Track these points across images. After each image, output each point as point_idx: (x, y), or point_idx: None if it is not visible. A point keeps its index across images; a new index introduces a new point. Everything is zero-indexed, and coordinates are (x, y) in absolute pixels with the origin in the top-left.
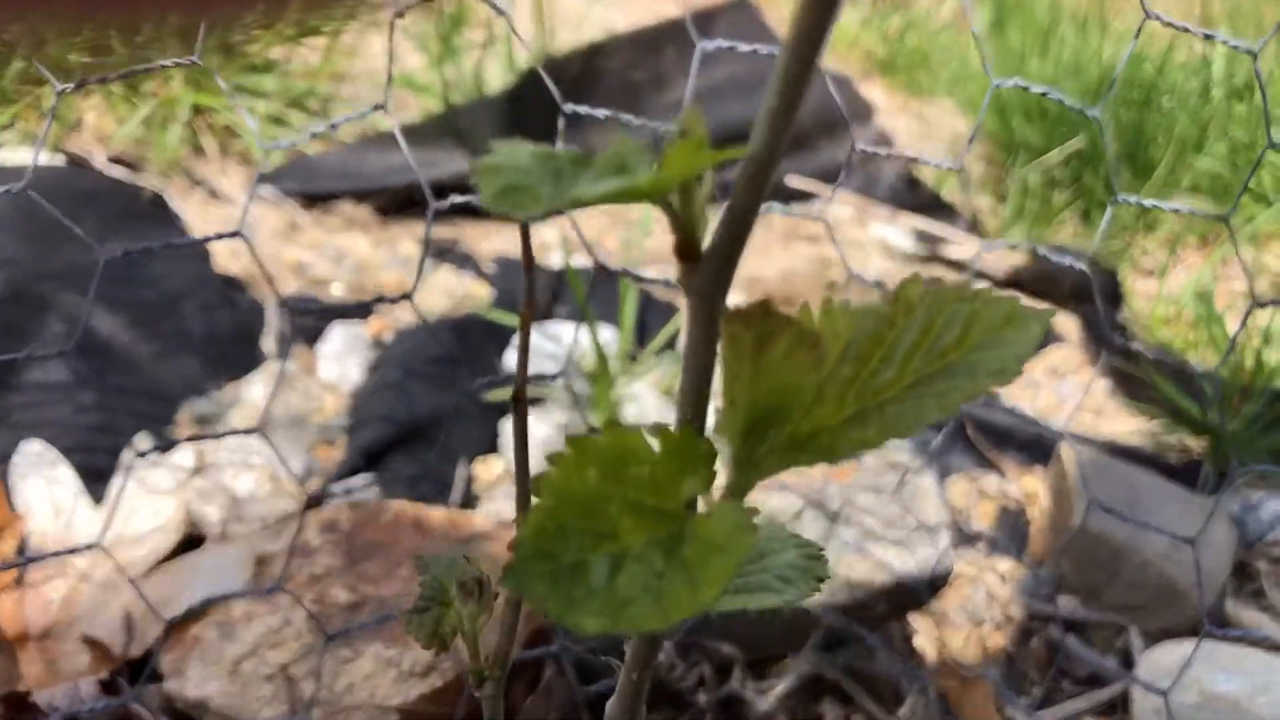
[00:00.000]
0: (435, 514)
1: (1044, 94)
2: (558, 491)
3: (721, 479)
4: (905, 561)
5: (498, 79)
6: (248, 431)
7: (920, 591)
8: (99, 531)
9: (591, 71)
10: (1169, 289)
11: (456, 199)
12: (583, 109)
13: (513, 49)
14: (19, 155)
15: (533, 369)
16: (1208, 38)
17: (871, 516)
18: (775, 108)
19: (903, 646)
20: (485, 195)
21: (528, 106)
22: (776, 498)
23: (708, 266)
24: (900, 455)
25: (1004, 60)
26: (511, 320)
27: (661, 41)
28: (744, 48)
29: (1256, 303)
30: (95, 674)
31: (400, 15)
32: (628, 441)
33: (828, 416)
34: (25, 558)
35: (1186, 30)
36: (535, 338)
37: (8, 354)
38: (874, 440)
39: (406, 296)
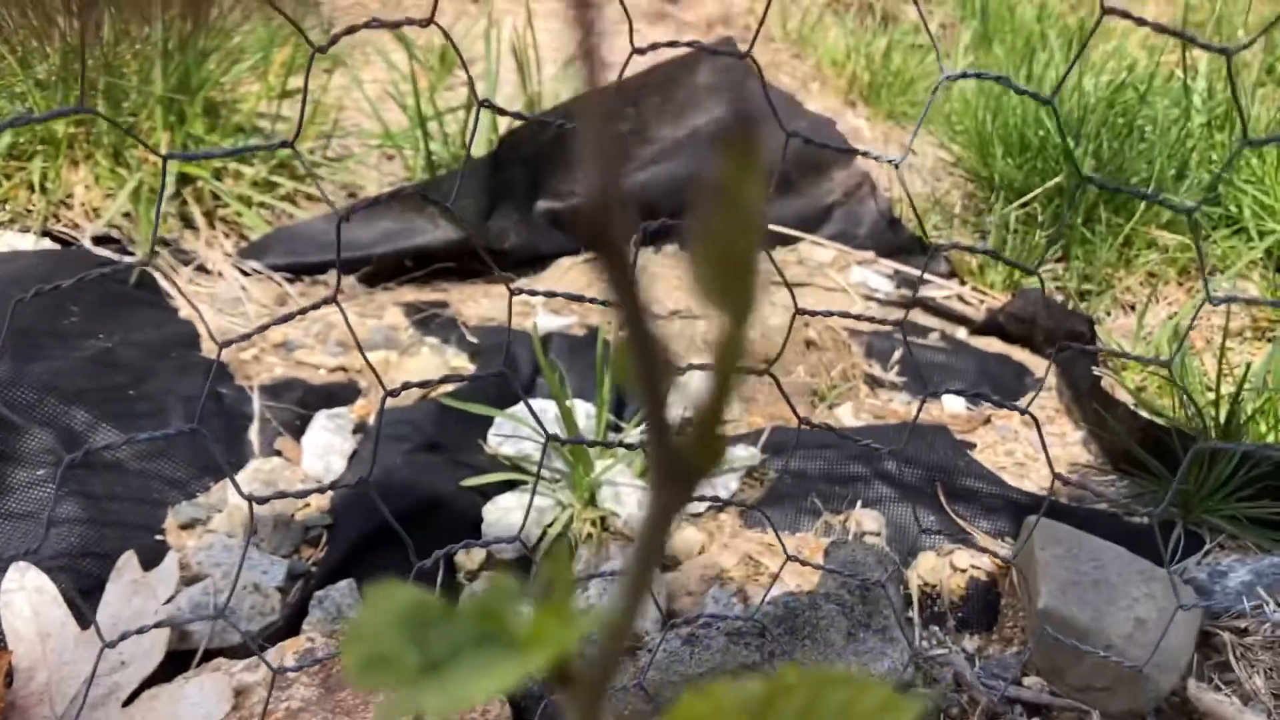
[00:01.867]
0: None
1: (997, 79)
2: None
3: None
4: (877, 667)
5: (481, 138)
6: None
7: None
8: (87, 657)
9: (573, 126)
10: (1149, 323)
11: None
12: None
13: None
14: (9, 238)
15: (514, 449)
16: (1184, 39)
17: (834, 630)
18: (623, 607)
19: None
20: (347, 667)
21: (508, 168)
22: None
23: (582, 689)
24: (865, 556)
25: (985, 82)
26: (480, 410)
27: (643, 91)
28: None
29: (1210, 299)
30: None
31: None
32: None
33: None
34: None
35: (1162, 30)
36: (517, 415)
37: None
38: None
39: (391, 394)
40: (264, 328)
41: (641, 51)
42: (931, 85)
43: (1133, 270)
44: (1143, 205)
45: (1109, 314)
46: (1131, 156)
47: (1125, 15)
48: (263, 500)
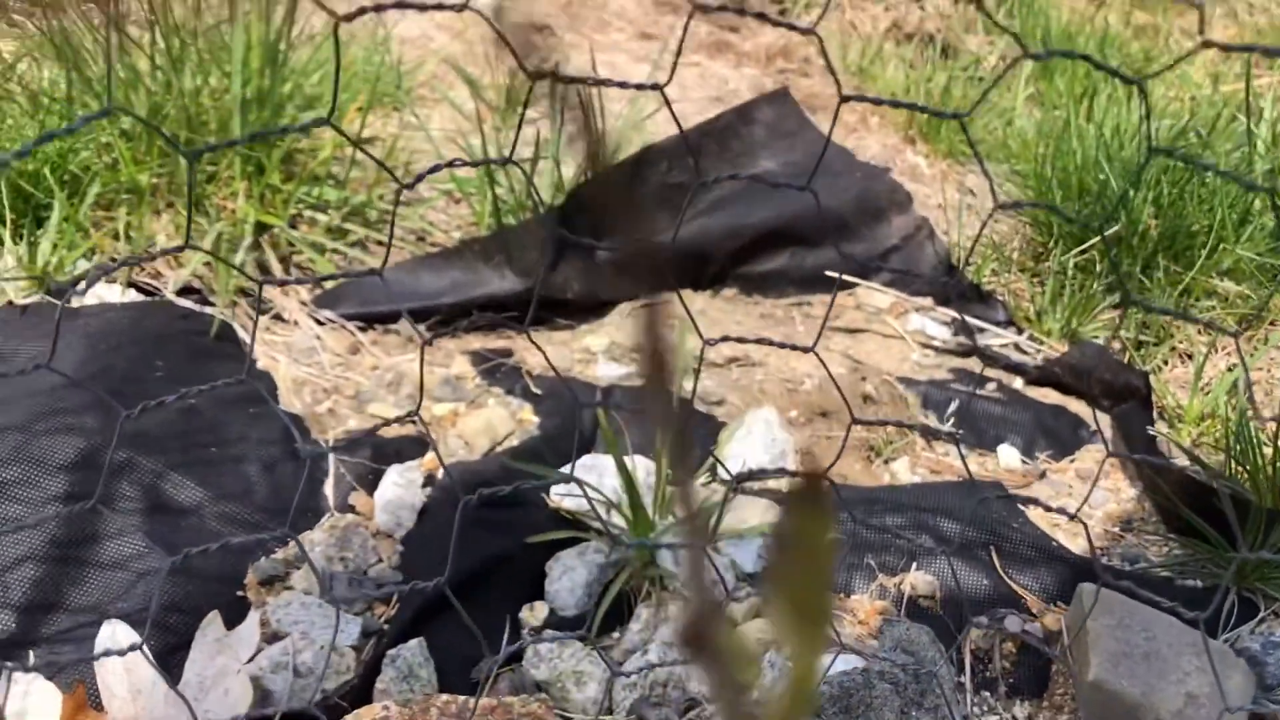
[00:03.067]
0: (481, 703)
1: (1049, 208)
2: None
3: None
4: None
5: (547, 188)
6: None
7: None
8: (177, 713)
9: (638, 177)
10: (1208, 374)
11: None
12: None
13: (558, 166)
14: (97, 288)
15: (575, 505)
16: (1268, 54)
17: (888, 709)
18: None
19: None
20: None
21: (573, 220)
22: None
23: None
24: (919, 635)
25: (1046, 121)
26: (537, 471)
27: (702, 141)
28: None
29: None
30: None
31: None
32: None
33: None
34: None
35: (1249, 50)
36: (580, 470)
37: (85, 524)
38: None
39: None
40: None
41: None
42: (990, 122)
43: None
44: (1204, 253)
45: (1166, 363)
46: (1193, 203)
47: (1225, 47)
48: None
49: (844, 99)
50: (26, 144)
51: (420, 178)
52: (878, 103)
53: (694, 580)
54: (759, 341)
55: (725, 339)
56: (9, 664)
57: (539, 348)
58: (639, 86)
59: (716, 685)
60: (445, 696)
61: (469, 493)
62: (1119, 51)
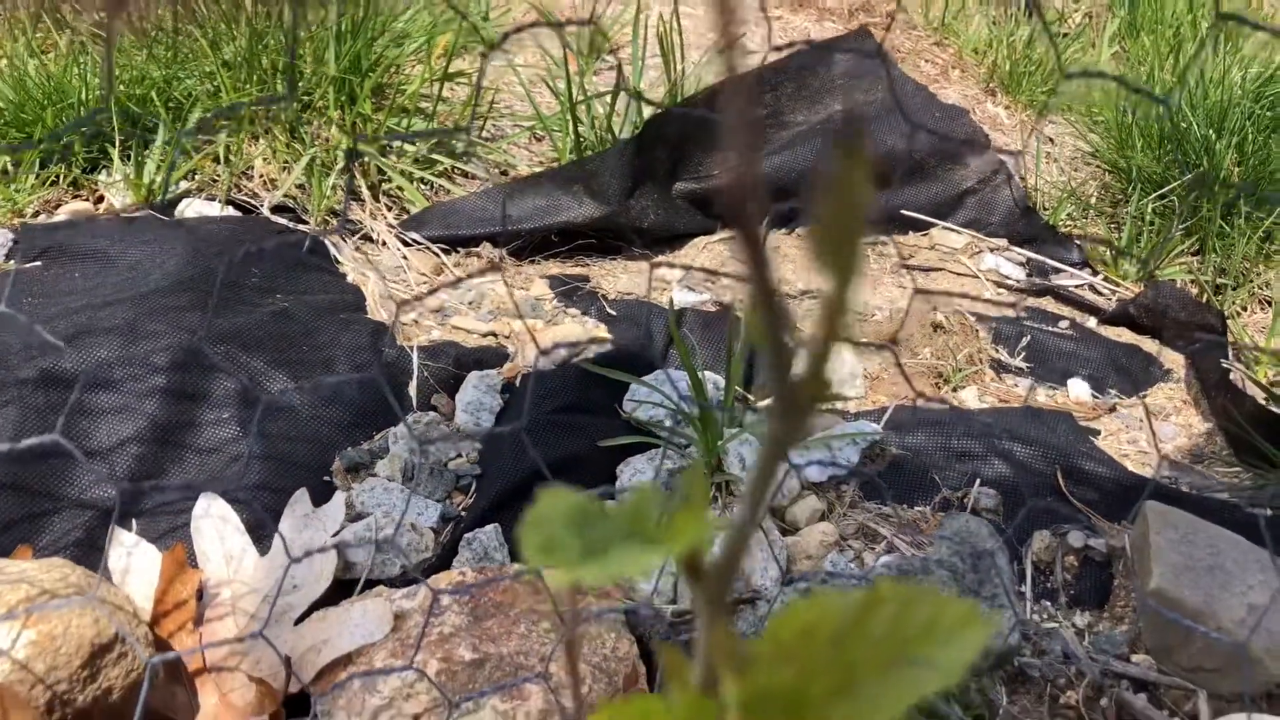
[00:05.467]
0: (550, 574)
1: (1115, 79)
2: None
3: None
4: None
5: (626, 121)
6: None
7: (981, 667)
8: (266, 578)
9: (713, 110)
10: None
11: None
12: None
13: (640, 94)
14: (197, 205)
15: (647, 415)
16: None
17: (945, 594)
18: (730, 548)
19: (975, 699)
20: (526, 550)
21: (651, 150)
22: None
23: (711, 581)
24: (979, 528)
25: (1130, 72)
26: (617, 376)
27: (779, 78)
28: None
29: None
30: (261, 711)
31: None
32: (651, 704)
33: (818, 691)
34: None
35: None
36: (651, 382)
37: (185, 412)
38: (857, 715)
39: (544, 353)
40: (435, 290)
41: (779, 49)
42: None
43: (1272, 265)
44: None
45: (1245, 309)
46: (1278, 151)
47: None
48: (429, 442)
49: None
50: None
51: (506, 36)
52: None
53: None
54: None
55: None
56: (115, 525)
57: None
58: None
59: (748, 261)
60: (518, 566)
61: (544, 401)
62: (1209, 14)
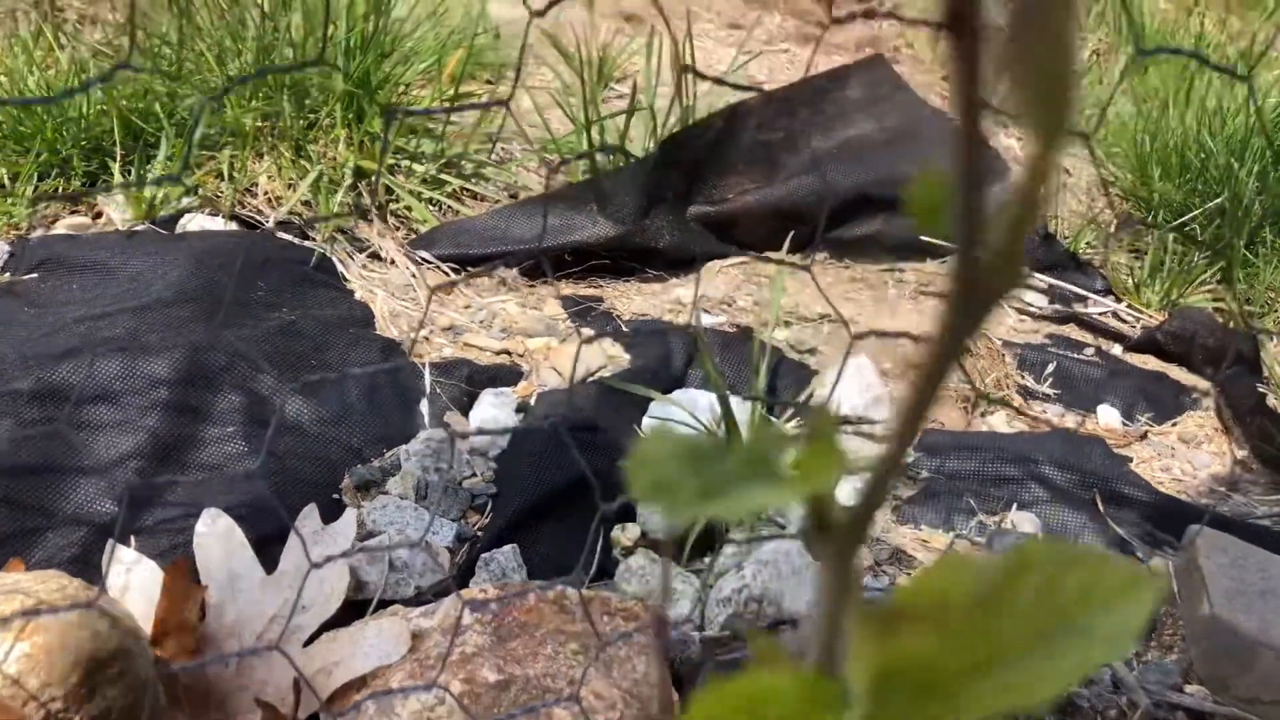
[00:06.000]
0: (575, 594)
1: (1192, 54)
2: None
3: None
4: None
5: (640, 143)
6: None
7: None
8: (271, 598)
9: (728, 133)
10: None
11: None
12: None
13: (655, 115)
14: (199, 220)
15: None
16: None
17: None
18: (913, 403)
19: None
20: (636, 490)
21: (668, 171)
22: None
23: (840, 537)
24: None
25: (1143, 108)
26: (639, 391)
27: (794, 102)
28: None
29: None
30: None
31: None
32: (763, 683)
33: (953, 667)
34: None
35: None
36: (668, 406)
37: (187, 426)
38: (1000, 698)
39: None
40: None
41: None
42: (1086, 110)
43: None
44: None
45: (1272, 337)
46: None
47: None
48: (463, 436)
49: None
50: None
51: (551, 6)
52: None
53: None
54: None
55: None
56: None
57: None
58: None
59: (959, 73)
60: (541, 582)
61: (561, 418)
62: (1216, 52)
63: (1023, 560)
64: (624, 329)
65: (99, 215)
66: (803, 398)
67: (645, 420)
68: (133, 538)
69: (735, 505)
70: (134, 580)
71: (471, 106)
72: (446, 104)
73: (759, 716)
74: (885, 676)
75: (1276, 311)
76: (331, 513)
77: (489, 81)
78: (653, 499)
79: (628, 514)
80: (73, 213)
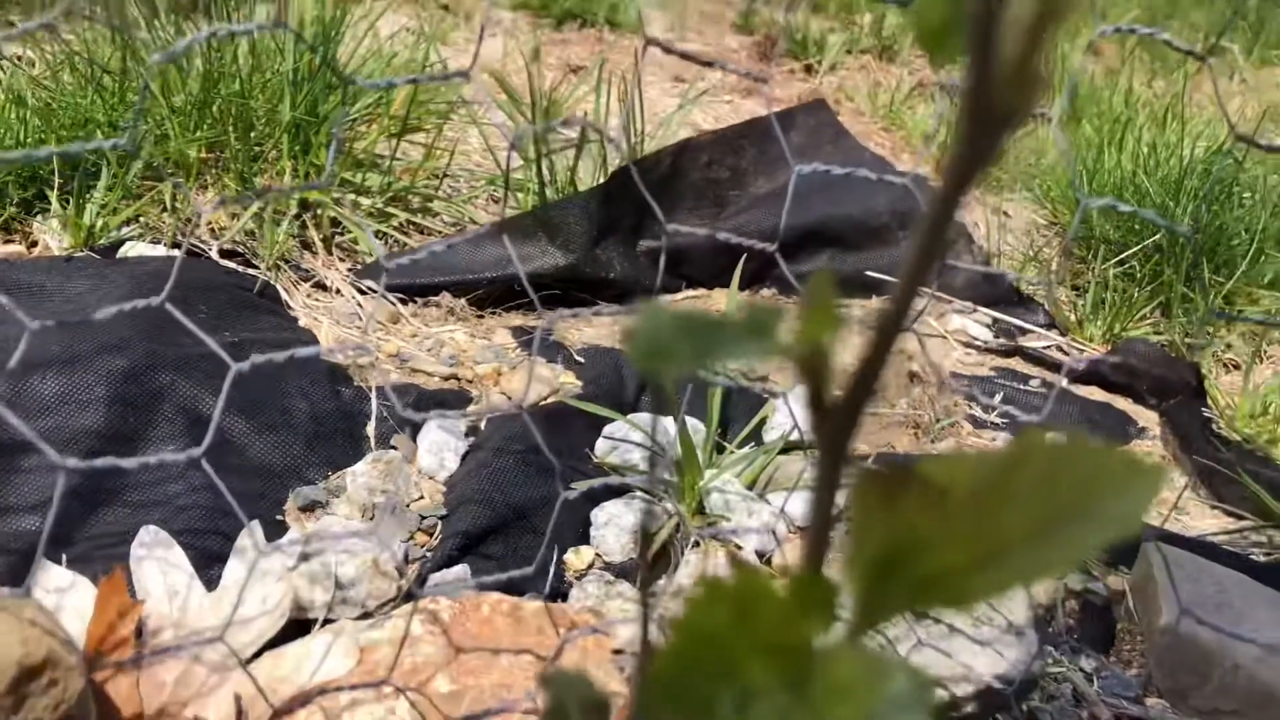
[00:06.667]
0: (531, 605)
1: (1133, 212)
2: (689, 630)
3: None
4: (995, 664)
5: (589, 177)
6: (358, 533)
7: (1008, 695)
8: (212, 615)
9: (676, 169)
10: (1253, 383)
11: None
12: (683, 229)
13: (604, 149)
14: (140, 248)
15: (619, 458)
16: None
17: (959, 618)
18: (910, 269)
19: None
20: (633, 356)
21: (617, 204)
22: None
23: (835, 417)
24: None
25: (1078, 152)
26: (598, 411)
27: (741, 141)
28: (837, 170)
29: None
30: None
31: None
32: (755, 583)
33: (952, 561)
34: (157, 650)
35: (1270, 150)
36: (622, 427)
37: (127, 440)
38: (999, 585)
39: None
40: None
41: None
42: (1022, 157)
43: (1234, 327)
44: (1244, 263)
45: (1210, 372)
46: (1231, 219)
47: (1255, 144)
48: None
49: None
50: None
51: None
52: None
53: None
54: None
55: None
56: (43, 557)
57: None
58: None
59: None
60: (497, 595)
61: (512, 443)
62: (1143, 109)
63: (1022, 453)
64: (575, 356)
65: (35, 244)
66: (755, 422)
67: (600, 442)
68: (64, 557)
69: (727, 357)
70: (67, 602)
71: (431, 79)
72: (394, 137)
73: (750, 616)
74: (882, 567)
75: (1214, 346)
76: (275, 533)
77: (439, 121)
78: (649, 361)
79: (582, 537)
80: (7, 241)
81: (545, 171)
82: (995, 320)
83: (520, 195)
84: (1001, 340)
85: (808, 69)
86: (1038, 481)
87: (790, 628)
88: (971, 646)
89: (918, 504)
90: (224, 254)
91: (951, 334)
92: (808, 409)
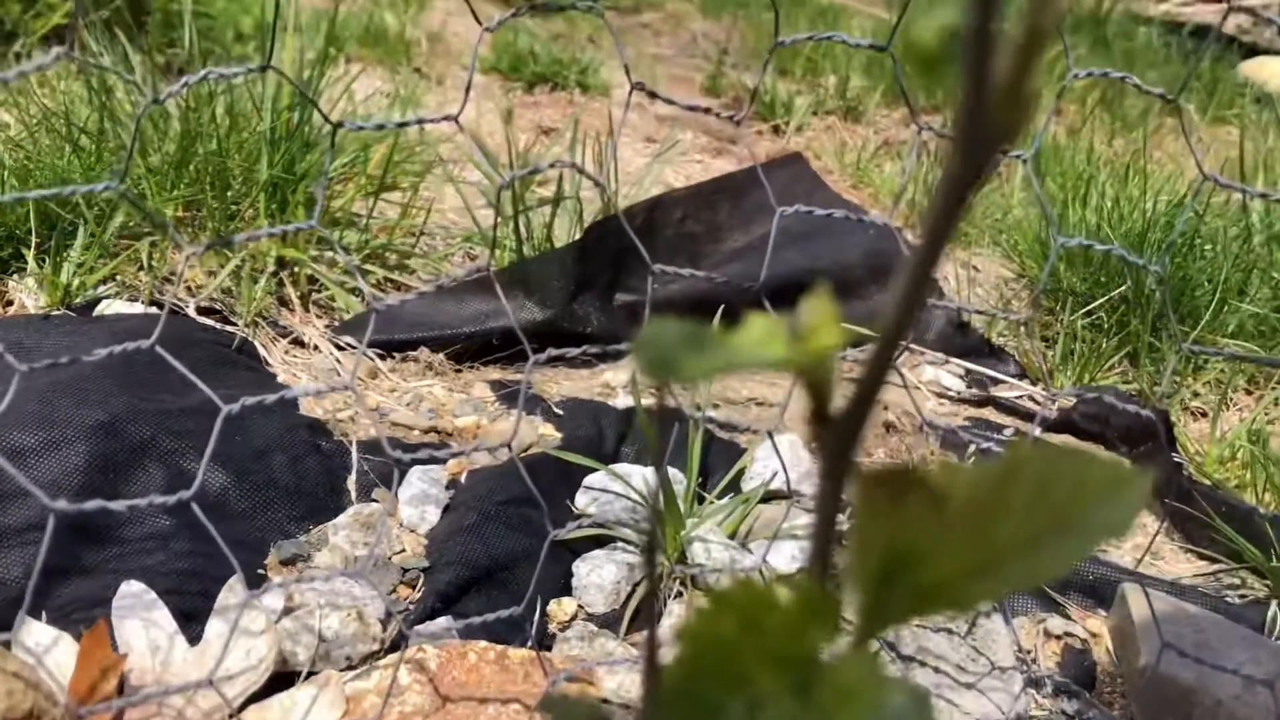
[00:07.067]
0: (518, 653)
1: (1102, 261)
2: (697, 640)
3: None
4: (981, 706)
5: (565, 234)
6: (343, 574)
7: None
8: (195, 670)
9: (652, 224)
10: (1221, 430)
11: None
12: (669, 269)
13: (580, 205)
14: (117, 306)
15: (600, 510)
16: (1263, 196)
17: (944, 660)
18: (906, 290)
19: None
20: (641, 366)
21: (593, 259)
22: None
23: (838, 429)
24: None
25: (1049, 203)
26: (581, 461)
27: (716, 196)
28: (819, 211)
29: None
30: None
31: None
32: (760, 593)
33: (952, 569)
34: (136, 696)
35: (1243, 192)
36: (602, 478)
37: (108, 494)
38: (995, 591)
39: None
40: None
41: None
42: (989, 210)
43: (1200, 376)
44: (1208, 313)
45: (1178, 420)
46: (1194, 270)
47: (1225, 185)
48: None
49: None
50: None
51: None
52: None
53: None
54: None
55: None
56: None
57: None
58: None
59: None
60: (483, 643)
61: (494, 494)
62: (1105, 166)
63: (1014, 465)
64: (554, 409)
65: (10, 303)
66: (734, 472)
67: (580, 494)
68: (44, 614)
69: (730, 364)
70: (50, 660)
71: (419, 121)
72: (371, 195)
73: (757, 625)
74: (884, 576)
75: (1181, 394)
76: (258, 586)
77: (416, 177)
78: (656, 372)
79: (564, 589)
80: None
81: (522, 228)
82: (968, 371)
83: (497, 252)
84: (974, 391)
85: (775, 129)
86: (1030, 491)
87: (796, 637)
88: (959, 693)
89: (917, 514)
90: (201, 311)
91: (925, 384)
92: (810, 422)
